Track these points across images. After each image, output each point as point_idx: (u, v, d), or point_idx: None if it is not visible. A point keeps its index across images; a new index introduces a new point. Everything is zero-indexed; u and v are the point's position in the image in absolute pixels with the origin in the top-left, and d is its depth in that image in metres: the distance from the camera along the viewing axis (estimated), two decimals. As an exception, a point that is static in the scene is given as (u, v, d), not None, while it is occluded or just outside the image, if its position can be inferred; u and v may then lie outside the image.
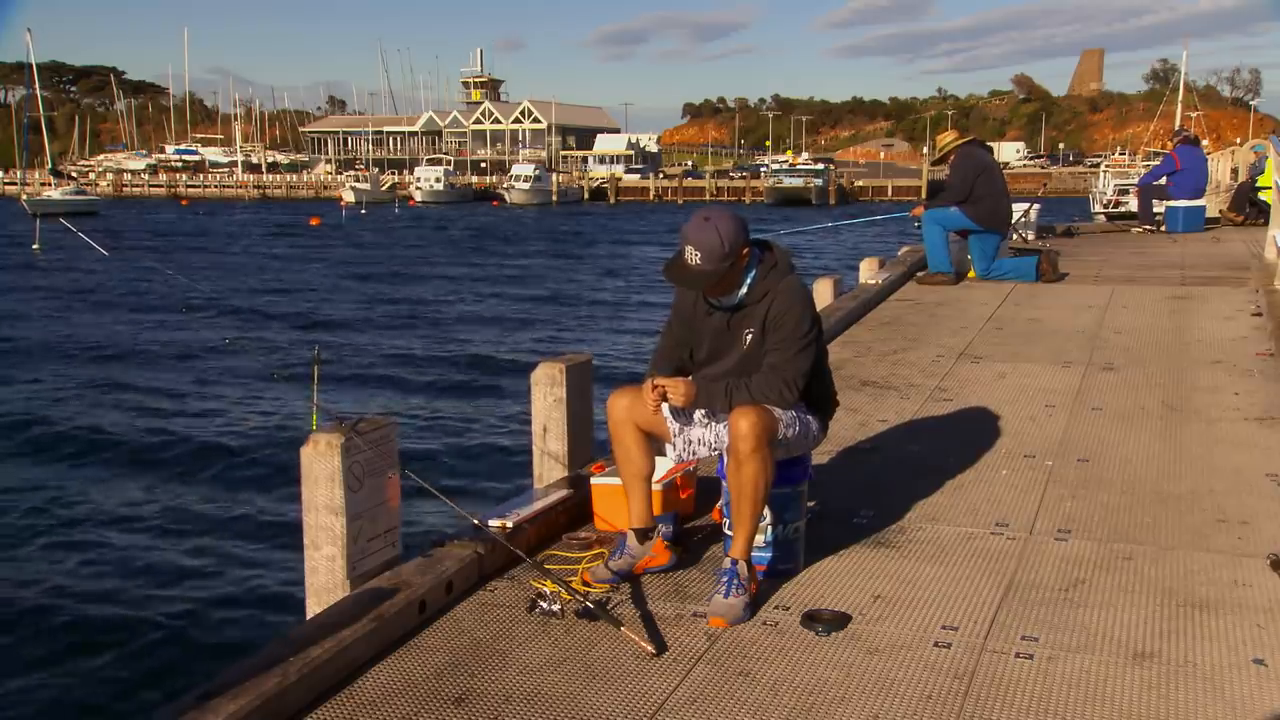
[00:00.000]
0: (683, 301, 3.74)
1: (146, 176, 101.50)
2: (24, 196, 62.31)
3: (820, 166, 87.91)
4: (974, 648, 3.10)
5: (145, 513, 9.93)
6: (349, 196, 78.83)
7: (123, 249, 35.26)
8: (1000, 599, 3.42)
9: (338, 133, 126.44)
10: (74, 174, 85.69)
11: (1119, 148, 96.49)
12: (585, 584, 3.57)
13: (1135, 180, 23.48)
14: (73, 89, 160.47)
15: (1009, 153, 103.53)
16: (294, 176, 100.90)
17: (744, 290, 3.55)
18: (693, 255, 3.45)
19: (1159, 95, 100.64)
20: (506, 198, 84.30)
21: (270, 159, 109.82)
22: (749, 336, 3.56)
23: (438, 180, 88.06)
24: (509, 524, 3.82)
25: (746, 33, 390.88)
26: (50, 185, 66.91)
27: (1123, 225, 17.00)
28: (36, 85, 69.92)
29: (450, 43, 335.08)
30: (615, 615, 3.31)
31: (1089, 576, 3.59)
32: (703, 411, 3.64)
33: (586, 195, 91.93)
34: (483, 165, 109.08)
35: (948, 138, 10.34)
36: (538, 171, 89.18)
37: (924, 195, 62.95)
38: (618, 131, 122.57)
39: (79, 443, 12.35)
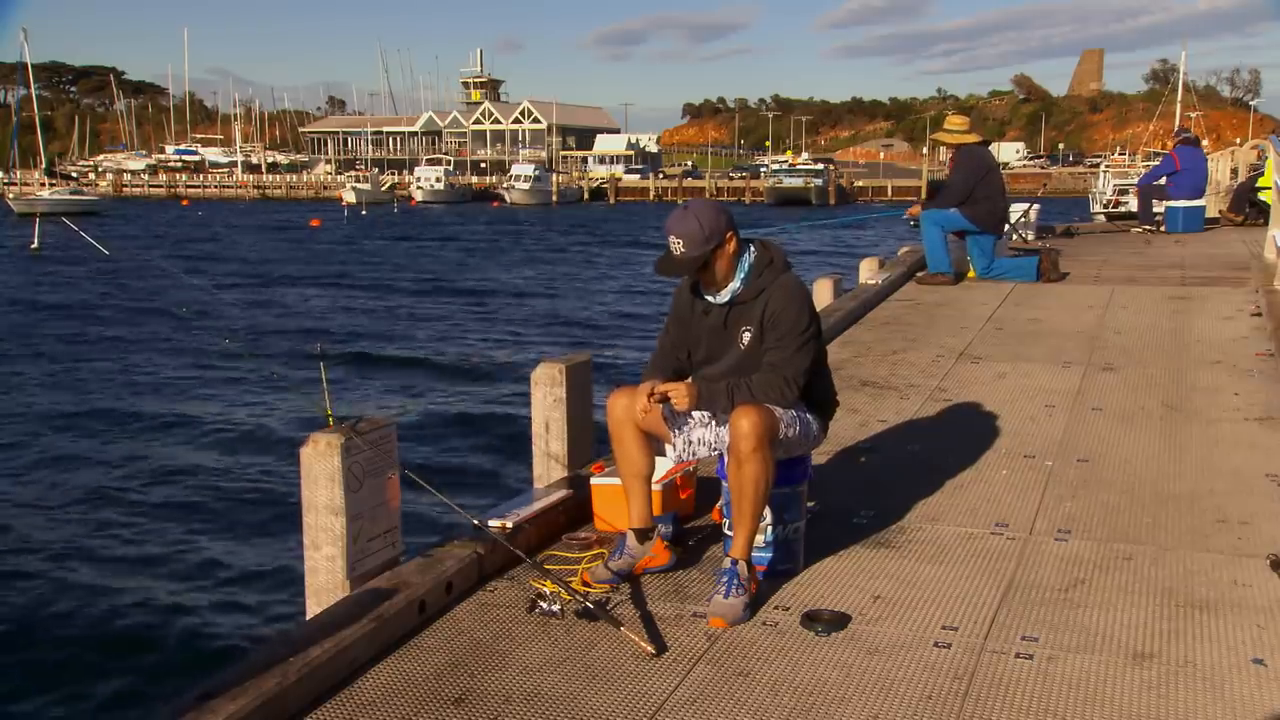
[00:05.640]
0: (680, 302, 3.75)
1: (146, 177, 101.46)
2: (11, 197, 61.89)
3: (820, 166, 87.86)
4: (974, 648, 3.10)
5: (144, 512, 9.93)
6: (349, 197, 78.80)
7: (130, 249, 35.28)
8: (1000, 599, 3.42)
9: (338, 133, 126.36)
10: (74, 174, 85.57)
11: (1119, 148, 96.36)
12: (585, 584, 3.57)
13: (1135, 180, 23.47)
14: (72, 89, 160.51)
15: (1009, 153, 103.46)
16: (294, 177, 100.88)
17: (738, 284, 3.56)
18: (676, 245, 3.50)
19: (1159, 95, 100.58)
20: (506, 198, 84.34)
21: (270, 159, 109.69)
22: (747, 335, 3.56)
23: (438, 180, 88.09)
24: (509, 524, 3.82)
25: (745, 33, 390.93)
26: (45, 186, 66.62)
27: (1122, 225, 16.99)
28: (32, 85, 69.84)
29: (450, 43, 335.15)
30: (615, 615, 3.31)
31: (1089, 576, 3.59)
32: (703, 412, 3.64)
33: (586, 195, 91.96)
34: (483, 165, 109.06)
35: (958, 124, 10.26)
36: (538, 172, 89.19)
37: (924, 195, 62.97)
38: (618, 132, 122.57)
39: (78, 443, 12.36)
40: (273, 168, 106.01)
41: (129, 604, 7.89)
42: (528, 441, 4.67)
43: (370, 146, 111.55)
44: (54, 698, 6.59)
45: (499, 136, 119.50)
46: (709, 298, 3.63)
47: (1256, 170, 16.40)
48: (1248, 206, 15.66)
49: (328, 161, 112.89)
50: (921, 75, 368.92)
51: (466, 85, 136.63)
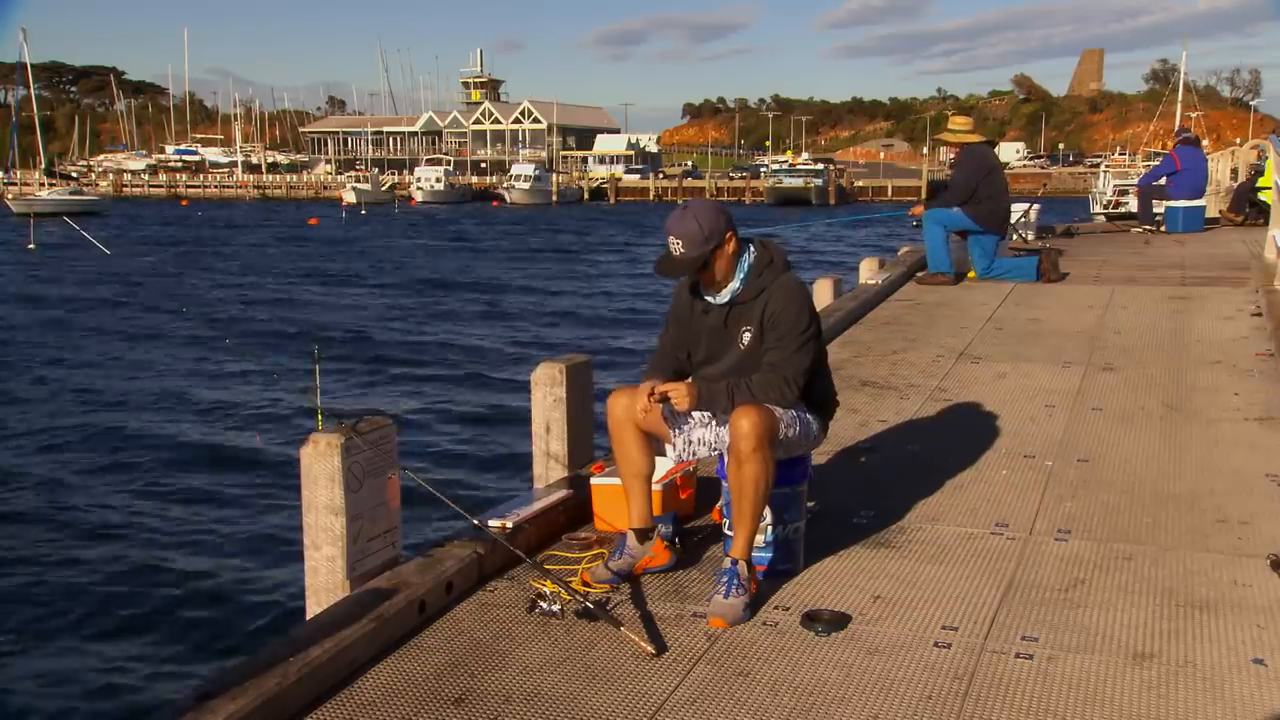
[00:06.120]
0: (679, 302, 3.75)
1: (146, 177, 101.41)
2: (10, 197, 61.78)
3: (820, 166, 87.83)
4: (974, 648, 3.10)
5: (144, 513, 9.93)
6: (350, 197, 78.85)
7: (130, 248, 35.28)
8: (1000, 599, 3.42)
9: (338, 133, 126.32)
10: (73, 174, 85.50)
11: (1119, 148, 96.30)
12: (585, 584, 3.57)
13: (1135, 180, 23.47)
14: (72, 89, 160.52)
15: (1009, 153, 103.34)
16: (294, 177, 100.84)
17: (738, 284, 3.56)
18: (676, 245, 3.50)
19: (1159, 95, 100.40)
20: (506, 198, 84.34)
21: (270, 159, 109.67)
22: (746, 335, 3.56)
23: (438, 180, 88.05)
24: (509, 524, 3.82)
25: (745, 33, 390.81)
26: (44, 186, 66.55)
27: (1122, 225, 17.00)
28: (31, 85, 69.75)
29: (450, 43, 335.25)
30: (615, 615, 3.31)
31: (1089, 576, 3.59)
32: (703, 412, 3.64)
33: (586, 195, 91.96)
34: (483, 165, 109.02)
35: (962, 124, 10.27)
36: (538, 172, 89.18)
37: (924, 195, 62.98)
38: (618, 132, 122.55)
39: (78, 444, 12.35)
40: (273, 168, 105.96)
41: (128, 604, 7.89)
42: (528, 441, 4.67)
43: (370, 146, 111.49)
44: (54, 699, 6.60)
45: (499, 136, 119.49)
46: (709, 298, 3.63)
47: (1256, 170, 16.39)
48: (1248, 206, 15.66)
49: (328, 161, 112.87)
50: (921, 75, 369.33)
51: (466, 85, 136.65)
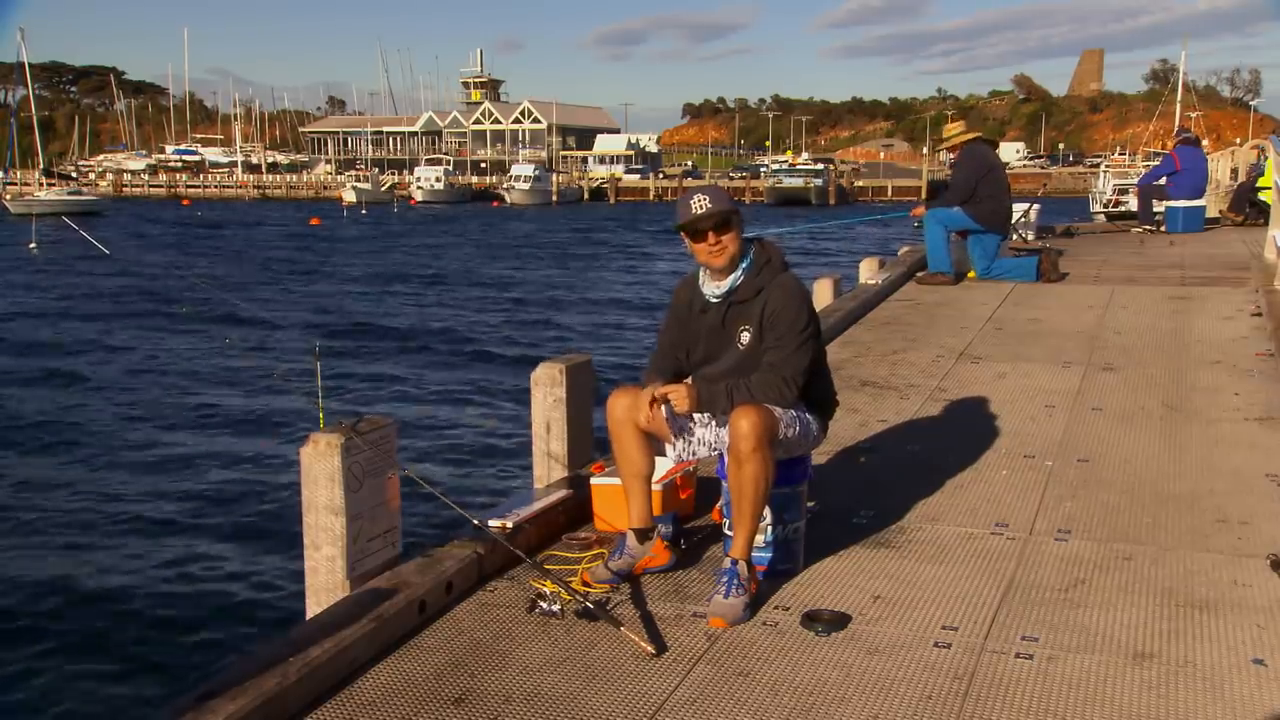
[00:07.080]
0: (678, 301, 3.77)
1: (146, 177, 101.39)
2: (9, 198, 61.66)
3: (820, 166, 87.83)
4: (974, 648, 3.10)
5: (144, 513, 9.92)
6: (350, 196, 78.89)
7: (130, 249, 35.29)
8: (1000, 599, 3.42)
9: (338, 133, 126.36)
10: (73, 174, 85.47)
11: (1119, 148, 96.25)
12: (585, 584, 3.57)
13: (1135, 180, 23.47)
14: (72, 89, 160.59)
15: (1009, 153, 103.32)
16: (294, 177, 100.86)
17: (740, 274, 3.56)
18: (700, 202, 3.53)
19: (1159, 95, 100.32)
20: (506, 198, 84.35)
21: (270, 159, 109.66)
22: (745, 335, 3.57)
23: (438, 180, 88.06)
24: (509, 524, 3.82)
25: (745, 33, 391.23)
26: (43, 186, 66.37)
27: (1122, 225, 17.00)
28: (30, 85, 69.63)
29: (450, 43, 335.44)
30: (615, 615, 3.31)
31: (1089, 576, 3.59)
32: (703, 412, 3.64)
33: (586, 195, 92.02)
34: (483, 165, 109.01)
35: (955, 129, 10.30)
36: (537, 172, 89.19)
37: (924, 195, 62.98)
38: (617, 132, 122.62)
39: (77, 444, 12.34)
40: (273, 168, 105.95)
41: (128, 604, 7.89)
42: (528, 441, 4.67)
43: (370, 146, 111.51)
44: (54, 699, 6.59)
45: (499, 136, 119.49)
46: (707, 291, 3.63)
47: (1256, 170, 16.40)
48: (1248, 206, 15.67)
49: (328, 161, 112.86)
50: (920, 75, 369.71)
51: (466, 85, 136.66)
